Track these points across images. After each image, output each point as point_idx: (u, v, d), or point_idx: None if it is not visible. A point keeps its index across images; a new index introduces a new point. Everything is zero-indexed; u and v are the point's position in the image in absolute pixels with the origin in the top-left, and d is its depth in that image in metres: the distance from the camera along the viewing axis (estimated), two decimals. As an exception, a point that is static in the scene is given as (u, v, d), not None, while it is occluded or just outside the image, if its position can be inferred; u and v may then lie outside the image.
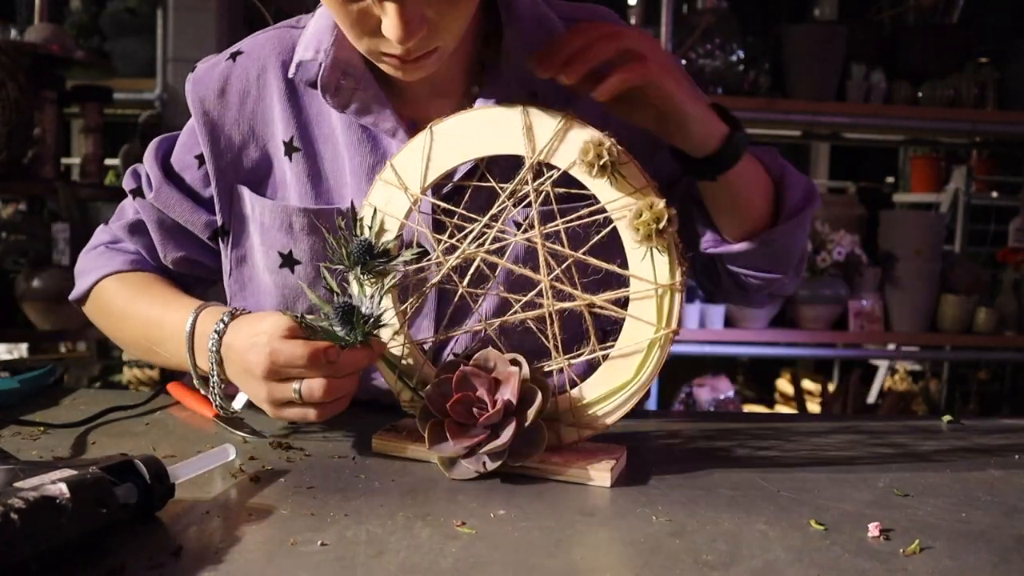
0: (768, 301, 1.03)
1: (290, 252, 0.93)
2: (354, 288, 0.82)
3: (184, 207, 0.96)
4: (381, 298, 0.80)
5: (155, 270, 1.02)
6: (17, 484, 0.56)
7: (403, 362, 0.84)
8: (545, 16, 0.90)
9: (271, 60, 0.93)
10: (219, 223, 0.96)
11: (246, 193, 0.94)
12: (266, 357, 0.76)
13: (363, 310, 0.78)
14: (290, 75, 0.91)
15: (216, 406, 0.86)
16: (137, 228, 1.01)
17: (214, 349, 0.82)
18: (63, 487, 0.55)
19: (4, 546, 0.50)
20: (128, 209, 1.02)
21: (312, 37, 0.89)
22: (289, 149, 0.92)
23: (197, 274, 1.02)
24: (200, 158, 0.96)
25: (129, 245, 1.02)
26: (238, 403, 0.88)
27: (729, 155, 0.82)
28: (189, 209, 0.96)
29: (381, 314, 0.79)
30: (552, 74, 0.77)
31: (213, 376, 0.83)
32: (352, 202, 0.89)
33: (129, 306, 0.96)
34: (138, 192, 0.99)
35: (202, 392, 0.89)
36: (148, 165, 0.99)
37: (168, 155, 0.99)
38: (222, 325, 0.82)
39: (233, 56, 0.95)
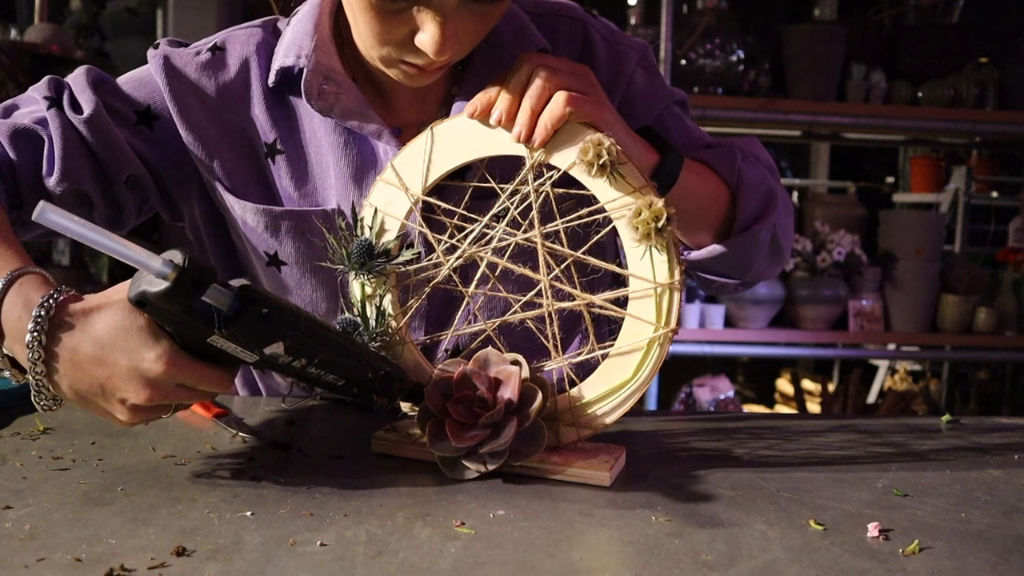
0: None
1: (275, 253, 0.93)
2: (356, 292, 0.83)
3: (120, 141, 0.88)
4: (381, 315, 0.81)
5: (3, 191, 0.83)
6: None
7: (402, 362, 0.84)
8: (509, 12, 0.91)
9: (252, 63, 0.93)
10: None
11: (222, 190, 0.93)
12: (150, 385, 0.66)
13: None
14: (271, 83, 0.91)
15: (37, 403, 0.71)
16: (25, 138, 0.85)
17: (38, 332, 0.65)
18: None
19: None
20: (21, 116, 0.87)
21: (291, 43, 0.89)
22: (272, 152, 0.92)
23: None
24: (141, 115, 0.91)
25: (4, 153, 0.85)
26: None
27: (662, 182, 0.82)
28: (123, 146, 0.88)
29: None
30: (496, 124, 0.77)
31: (36, 368, 0.67)
32: (340, 204, 0.90)
33: None
34: (57, 105, 0.86)
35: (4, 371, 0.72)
36: (79, 90, 0.88)
37: (98, 86, 0.90)
38: (52, 303, 0.66)
39: (212, 50, 0.94)
